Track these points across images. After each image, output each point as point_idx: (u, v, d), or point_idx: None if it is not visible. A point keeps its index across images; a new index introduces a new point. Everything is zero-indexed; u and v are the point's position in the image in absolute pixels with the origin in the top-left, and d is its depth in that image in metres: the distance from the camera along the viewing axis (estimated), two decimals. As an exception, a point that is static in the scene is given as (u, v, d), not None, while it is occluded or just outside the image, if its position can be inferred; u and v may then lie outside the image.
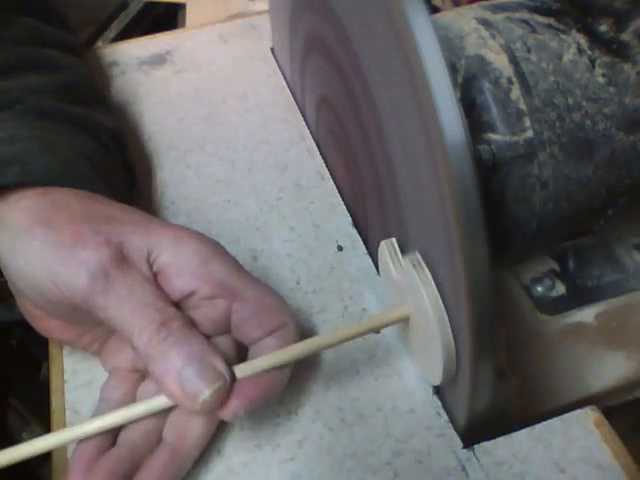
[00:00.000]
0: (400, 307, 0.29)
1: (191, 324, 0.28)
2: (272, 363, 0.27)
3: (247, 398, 0.27)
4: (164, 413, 0.28)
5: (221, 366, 0.26)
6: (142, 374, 0.30)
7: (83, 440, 0.27)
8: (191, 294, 0.28)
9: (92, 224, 0.28)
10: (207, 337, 0.28)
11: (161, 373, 0.26)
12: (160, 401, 0.27)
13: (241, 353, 0.30)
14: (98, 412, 0.29)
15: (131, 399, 0.29)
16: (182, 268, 0.28)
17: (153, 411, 0.27)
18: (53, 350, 0.34)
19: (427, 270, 0.27)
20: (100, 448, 0.27)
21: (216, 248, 0.29)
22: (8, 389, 0.65)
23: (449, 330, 0.26)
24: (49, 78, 0.37)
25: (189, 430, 0.28)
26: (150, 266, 0.28)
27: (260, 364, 0.27)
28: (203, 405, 0.26)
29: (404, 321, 0.29)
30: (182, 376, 0.26)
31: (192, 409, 0.26)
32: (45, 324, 0.30)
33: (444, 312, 0.26)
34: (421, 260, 0.27)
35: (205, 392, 0.25)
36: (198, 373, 0.26)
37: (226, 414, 0.27)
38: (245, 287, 0.29)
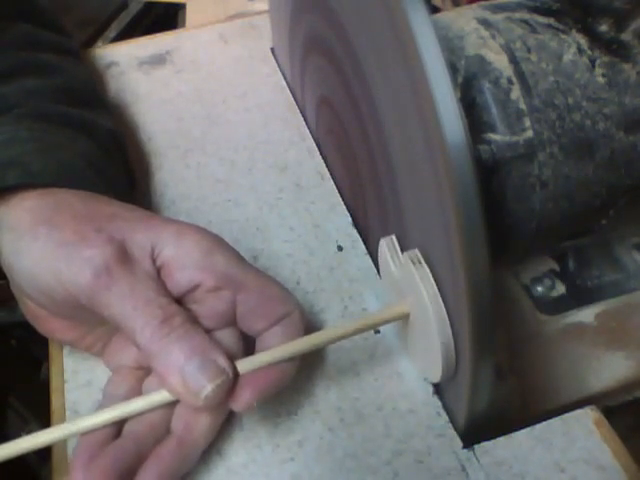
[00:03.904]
0: (400, 304, 0.29)
1: (194, 320, 0.28)
2: (272, 359, 0.27)
3: (258, 389, 0.27)
4: (171, 405, 0.28)
5: (223, 361, 0.26)
6: (146, 371, 0.30)
7: (86, 432, 0.27)
8: (195, 287, 0.28)
9: (95, 223, 0.28)
10: (213, 330, 0.29)
11: (163, 369, 0.26)
12: (162, 395, 0.27)
13: (247, 344, 0.30)
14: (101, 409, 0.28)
15: (135, 395, 0.29)
16: (185, 261, 0.28)
17: (154, 406, 0.27)
18: (53, 350, 0.34)
19: (426, 267, 0.27)
20: (104, 440, 0.27)
21: (218, 241, 0.30)
22: (8, 389, 0.65)
23: (448, 327, 0.26)
24: (47, 81, 0.37)
25: (196, 421, 0.28)
26: (154, 262, 0.28)
27: (261, 359, 0.27)
28: (206, 400, 0.26)
29: (404, 318, 0.29)
30: (184, 372, 0.26)
31: (195, 405, 0.26)
32: (48, 325, 0.30)
33: (443, 309, 0.26)
34: (420, 257, 0.28)
35: (207, 387, 0.26)
36: (200, 369, 0.26)
37: (239, 406, 0.27)
38: (248, 278, 0.29)
